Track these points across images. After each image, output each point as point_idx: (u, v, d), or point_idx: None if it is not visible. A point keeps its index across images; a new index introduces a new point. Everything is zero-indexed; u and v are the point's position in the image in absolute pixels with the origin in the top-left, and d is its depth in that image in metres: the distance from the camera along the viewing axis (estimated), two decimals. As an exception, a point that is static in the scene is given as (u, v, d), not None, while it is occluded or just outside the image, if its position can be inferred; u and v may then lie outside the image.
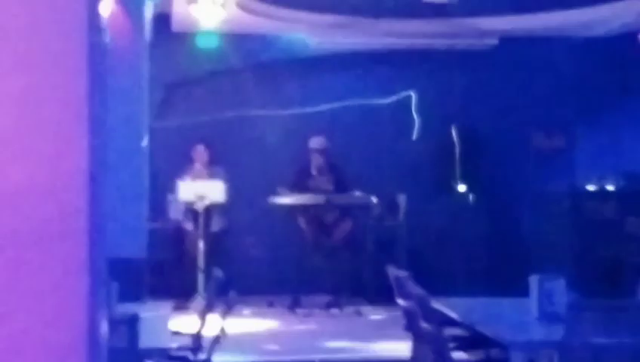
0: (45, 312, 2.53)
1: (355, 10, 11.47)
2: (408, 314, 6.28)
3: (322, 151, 11.59)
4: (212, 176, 11.35)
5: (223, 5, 10.72)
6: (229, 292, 6.17)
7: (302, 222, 11.49)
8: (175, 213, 11.31)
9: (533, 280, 5.74)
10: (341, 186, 11.46)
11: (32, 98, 2.56)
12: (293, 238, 11.58)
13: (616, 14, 11.28)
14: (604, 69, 12.43)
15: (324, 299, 11.28)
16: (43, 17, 2.57)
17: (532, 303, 5.73)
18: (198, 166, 11.51)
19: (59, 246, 2.54)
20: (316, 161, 11.59)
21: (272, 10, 11.23)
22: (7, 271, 2.51)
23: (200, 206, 11.01)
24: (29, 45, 2.56)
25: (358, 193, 11.40)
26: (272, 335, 9.93)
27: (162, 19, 11.13)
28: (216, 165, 11.53)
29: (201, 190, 11.04)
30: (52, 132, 2.56)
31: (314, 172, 11.61)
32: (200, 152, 11.56)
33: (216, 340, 5.90)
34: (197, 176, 11.39)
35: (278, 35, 12.53)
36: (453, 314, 6.09)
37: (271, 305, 11.36)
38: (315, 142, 11.65)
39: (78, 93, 2.58)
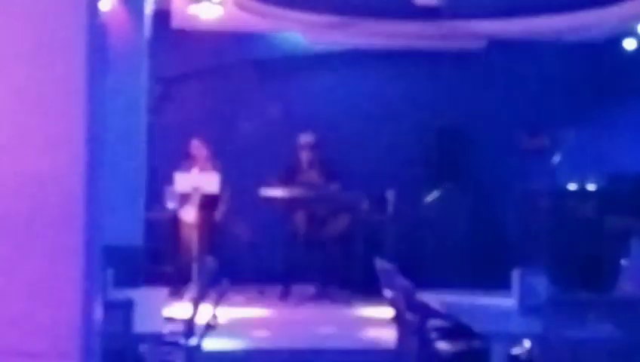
0: (41, 295, 2.53)
1: (349, 11, 11.56)
2: (394, 305, 6.41)
3: (312, 147, 11.67)
4: (213, 169, 11.37)
5: (221, 3, 10.83)
6: (222, 281, 6.26)
7: (292, 214, 11.58)
8: (171, 204, 11.34)
9: (516, 275, 5.90)
10: (330, 181, 11.55)
11: (32, 87, 2.55)
12: (285, 230, 11.68)
13: (601, 21, 11.40)
14: (588, 73, 12.61)
15: (314, 289, 11.37)
16: (43, 11, 2.58)
17: (514, 296, 5.88)
18: (199, 160, 11.55)
19: (56, 232, 2.54)
20: (306, 156, 11.69)
21: (269, 9, 11.29)
22: (4, 255, 2.52)
23: (195, 197, 11.13)
24: (30, 37, 2.56)
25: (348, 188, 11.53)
26: (262, 323, 10.02)
27: (162, 16, 11.21)
28: (215, 159, 11.57)
29: (196, 181, 11.13)
30: (51, 120, 2.55)
31: (304, 166, 11.69)
32: (198, 147, 11.61)
33: (208, 326, 6.02)
34: (200, 170, 11.45)
35: (274, 34, 12.63)
36: (437, 306, 6.18)
37: (262, 293, 11.46)
38: (305, 138, 11.75)
39: (77, 83, 2.57)
